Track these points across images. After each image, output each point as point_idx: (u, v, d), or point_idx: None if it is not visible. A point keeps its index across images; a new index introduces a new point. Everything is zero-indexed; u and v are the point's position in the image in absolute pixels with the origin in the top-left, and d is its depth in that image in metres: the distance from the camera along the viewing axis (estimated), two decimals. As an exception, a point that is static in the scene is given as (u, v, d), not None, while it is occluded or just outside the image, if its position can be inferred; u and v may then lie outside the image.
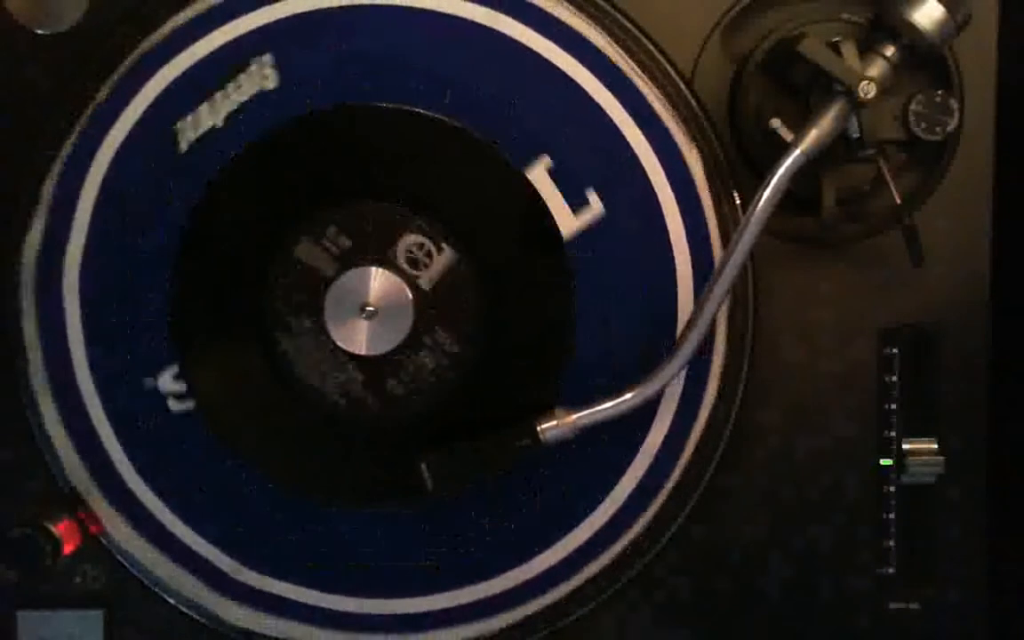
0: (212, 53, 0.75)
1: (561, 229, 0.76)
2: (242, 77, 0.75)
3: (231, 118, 0.75)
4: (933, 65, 0.78)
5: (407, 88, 0.76)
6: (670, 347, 0.75)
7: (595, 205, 0.76)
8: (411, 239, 0.75)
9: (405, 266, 0.75)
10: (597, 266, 0.77)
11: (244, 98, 0.75)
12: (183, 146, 0.76)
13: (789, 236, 0.80)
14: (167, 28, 0.75)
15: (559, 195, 0.76)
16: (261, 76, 0.75)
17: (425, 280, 0.76)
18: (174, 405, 0.78)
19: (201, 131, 0.76)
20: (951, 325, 0.81)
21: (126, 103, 0.76)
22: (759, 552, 0.82)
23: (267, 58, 0.75)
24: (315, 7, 0.75)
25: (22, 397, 0.79)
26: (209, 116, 0.75)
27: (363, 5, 0.75)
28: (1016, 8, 0.80)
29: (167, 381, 0.78)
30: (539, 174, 0.76)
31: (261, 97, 0.75)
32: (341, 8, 0.75)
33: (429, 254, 0.75)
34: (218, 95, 0.75)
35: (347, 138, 0.76)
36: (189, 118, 0.75)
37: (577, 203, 0.76)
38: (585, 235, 0.76)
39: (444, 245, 0.75)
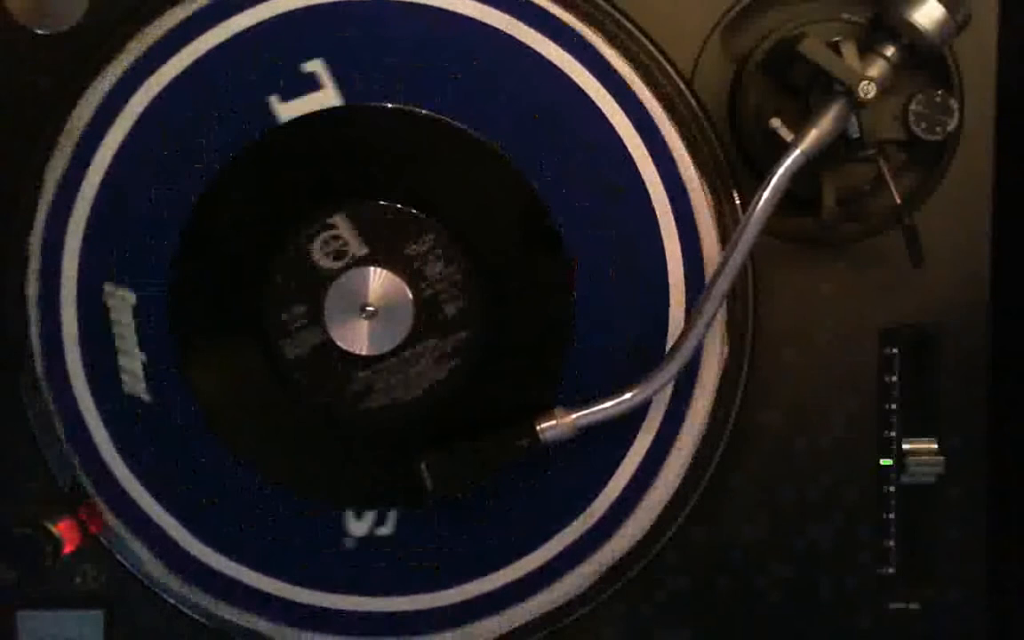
0: (212, 52, 0.75)
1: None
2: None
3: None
4: (933, 65, 0.78)
5: (406, 88, 0.75)
6: (670, 347, 0.75)
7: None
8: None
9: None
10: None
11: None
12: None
13: (789, 236, 0.80)
14: (166, 28, 0.75)
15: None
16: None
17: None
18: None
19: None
20: (951, 325, 0.81)
21: (126, 103, 0.76)
22: (759, 552, 0.82)
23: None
24: (314, 3, 0.75)
25: (22, 397, 0.79)
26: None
27: (363, 3, 0.75)
28: (1016, 8, 0.80)
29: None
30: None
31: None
32: (340, 4, 0.75)
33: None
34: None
35: (347, 138, 0.76)
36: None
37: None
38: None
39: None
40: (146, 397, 0.78)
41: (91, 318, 0.77)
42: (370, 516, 0.79)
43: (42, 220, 0.77)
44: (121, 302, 0.77)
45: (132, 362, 0.77)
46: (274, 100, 0.75)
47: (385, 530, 0.79)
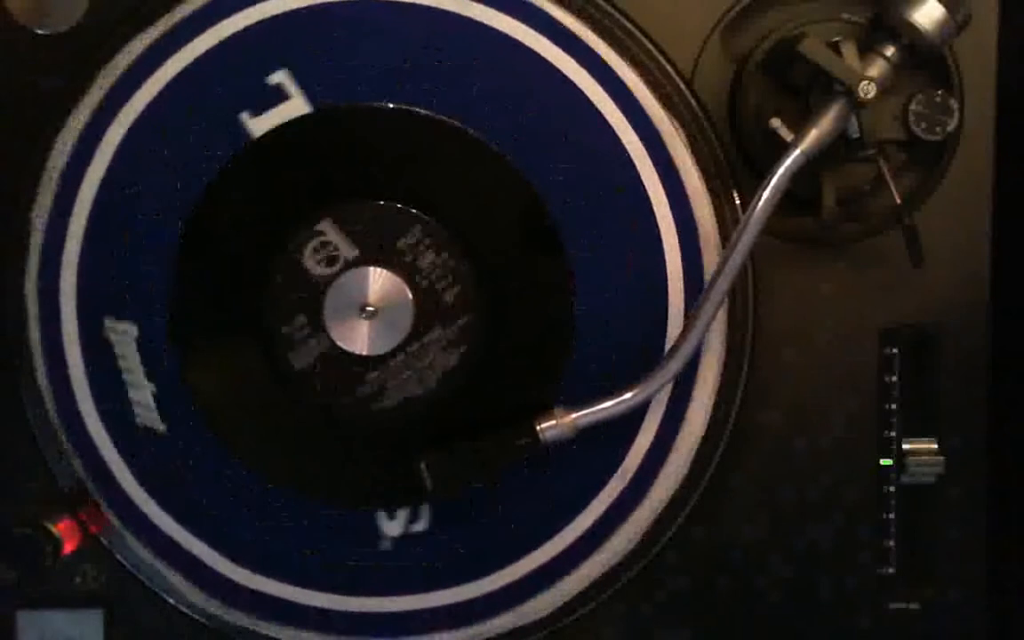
0: (212, 52, 0.75)
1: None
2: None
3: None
4: (933, 65, 0.78)
5: (406, 88, 0.75)
6: (670, 347, 0.75)
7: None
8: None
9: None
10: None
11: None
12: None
13: (789, 236, 0.80)
14: (166, 27, 0.75)
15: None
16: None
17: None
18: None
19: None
20: (951, 325, 0.81)
21: (126, 103, 0.76)
22: (759, 552, 0.82)
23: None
24: (315, 3, 0.75)
25: (22, 397, 0.79)
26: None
27: (362, 2, 0.75)
28: (1016, 8, 0.80)
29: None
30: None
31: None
32: (340, 4, 0.75)
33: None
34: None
35: (347, 138, 0.76)
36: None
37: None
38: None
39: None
40: (160, 428, 0.78)
41: (91, 318, 0.77)
42: (400, 516, 0.79)
43: (42, 220, 0.77)
44: (123, 337, 0.77)
45: (142, 394, 0.77)
46: (245, 116, 0.75)
47: (420, 526, 0.79)
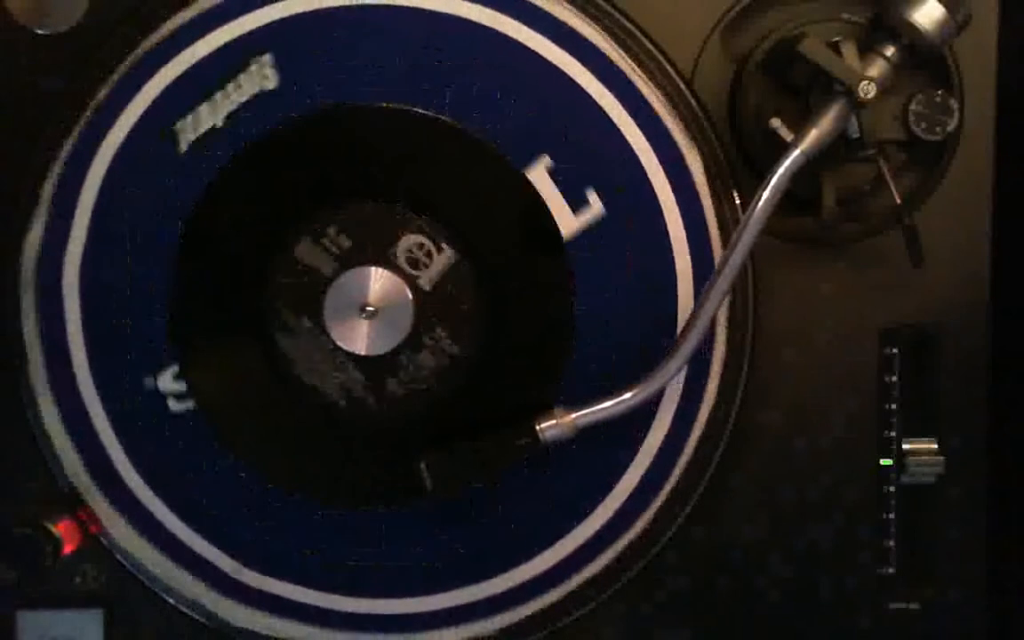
0: (212, 53, 0.75)
1: (561, 229, 0.76)
2: (242, 77, 0.75)
3: (231, 118, 0.75)
4: (933, 65, 0.78)
5: (406, 88, 0.76)
6: (670, 347, 0.75)
7: (595, 205, 0.76)
8: (411, 239, 0.75)
9: (405, 266, 0.75)
10: (597, 266, 0.77)
11: (244, 98, 0.75)
12: (183, 146, 0.76)
13: (789, 236, 0.80)
14: (167, 28, 0.75)
15: (559, 195, 0.76)
16: (261, 76, 0.75)
17: (425, 280, 0.76)
18: (174, 405, 0.78)
19: (201, 131, 0.76)
20: (951, 325, 0.81)
21: (126, 103, 0.76)
22: (759, 552, 0.82)
23: (267, 58, 0.75)
24: (315, 7, 0.75)
25: (22, 397, 0.79)
26: (209, 116, 0.75)
27: (363, 5, 0.75)
28: (1016, 8, 0.80)
29: (167, 381, 0.78)
30: (539, 174, 0.76)
31: (261, 97, 0.75)
32: (341, 8, 0.75)
33: (429, 254, 0.75)
34: (218, 95, 0.75)
35: (347, 138, 0.76)
36: (189, 118, 0.75)
37: (577, 203, 0.76)
38: (585, 235, 0.76)
39: (444, 245, 0.75)
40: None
41: (92, 317, 0.78)
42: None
43: (42, 219, 0.77)
44: None
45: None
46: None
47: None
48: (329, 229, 0.75)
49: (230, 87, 0.75)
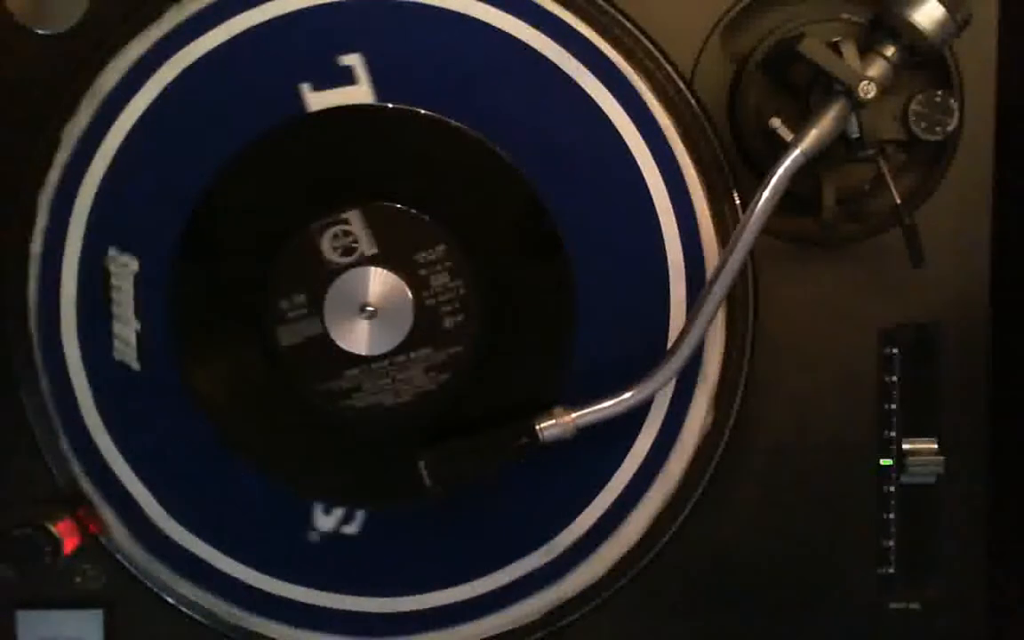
0: (214, 51, 0.75)
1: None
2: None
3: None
4: (933, 65, 0.78)
5: (407, 89, 0.75)
6: (670, 346, 0.75)
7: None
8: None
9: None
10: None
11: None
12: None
13: (789, 236, 0.80)
14: (169, 27, 0.75)
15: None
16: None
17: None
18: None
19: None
20: (951, 325, 0.81)
21: (126, 103, 0.76)
22: (759, 552, 0.82)
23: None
24: (318, 2, 0.75)
25: (22, 397, 0.79)
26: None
27: (363, 6, 0.75)
28: (1016, 8, 0.80)
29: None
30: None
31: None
32: (345, 5, 0.75)
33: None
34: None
35: (347, 138, 0.76)
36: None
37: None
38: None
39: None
40: (136, 366, 0.78)
41: (91, 318, 0.78)
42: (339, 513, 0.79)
43: (43, 219, 0.77)
44: (123, 268, 0.77)
45: (126, 329, 0.77)
46: (306, 88, 0.75)
47: (351, 529, 0.79)
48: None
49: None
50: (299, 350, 0.76)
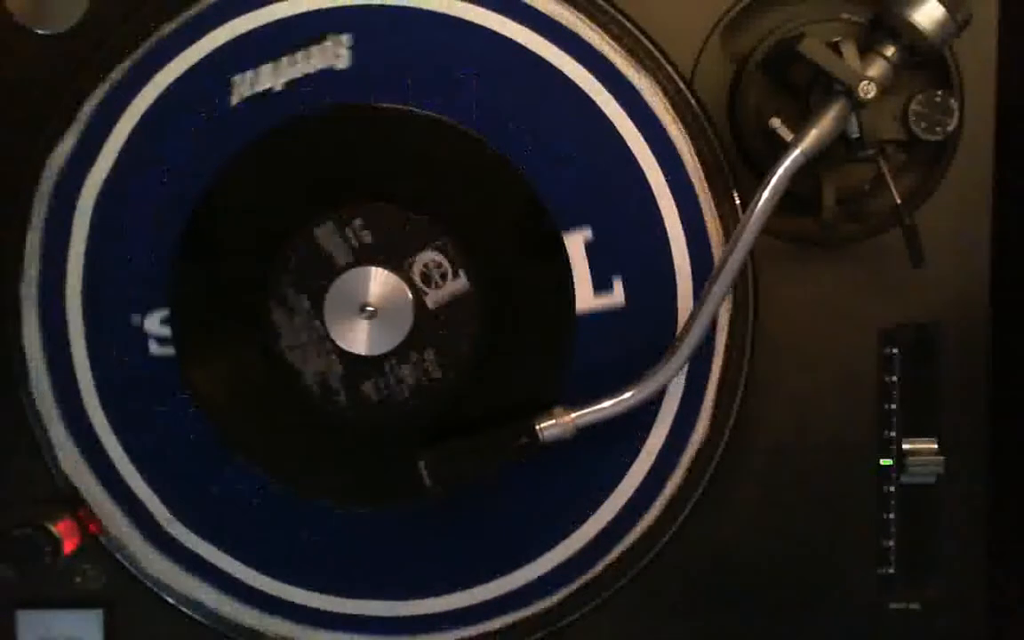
0: (215, 51, 0.75)
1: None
2: (314, 49, 0.74)
3: (290, 84, 0.75)
4: (933, 65, 0.78)
5: (408, 91, 0.76)
6: (670, 347, 0.75)
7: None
8: (425, 249, 0.75)
9: (413, 274, 0.75)
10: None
11: (310, 70, 0.75)
12: (235, 99, 0.75)
13: (789, 236, 0.80)
14: (170, 26, 0.75)
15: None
16: (334, 54, 0.75)
17: (429, 292, 0.75)
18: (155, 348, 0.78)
19: (258, 89, 0.75)
20: (951, 325, 0.81)
21: (127, 103, 0.76)
22: (759, 552, 0.82)
23: (345, 39, 0.75)
24: (317, 7, 0.75)
25: (22, 397, 0.79)
26: (270, 77, 0.75)
27: (368, 7, 0.75)
28: (1016, 8, 0.80)
29: (154, 324, 0.78)
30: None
31: (326, 74, 0.75)
32: (345, 7, 0.75)
33: (439, 267, 0.75)
34: (285, 60, 0.75)
35: (347, 138, 0.76)
36: (249, 74, 0.75)
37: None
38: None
39: (455, 260, 0.75)
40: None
41: (93, 319, 0.78)
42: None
43: (43, 220, 0.77)
44: None
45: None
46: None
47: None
48: (347, 224, 0.75)
49: (299, 55, 0.74)
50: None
